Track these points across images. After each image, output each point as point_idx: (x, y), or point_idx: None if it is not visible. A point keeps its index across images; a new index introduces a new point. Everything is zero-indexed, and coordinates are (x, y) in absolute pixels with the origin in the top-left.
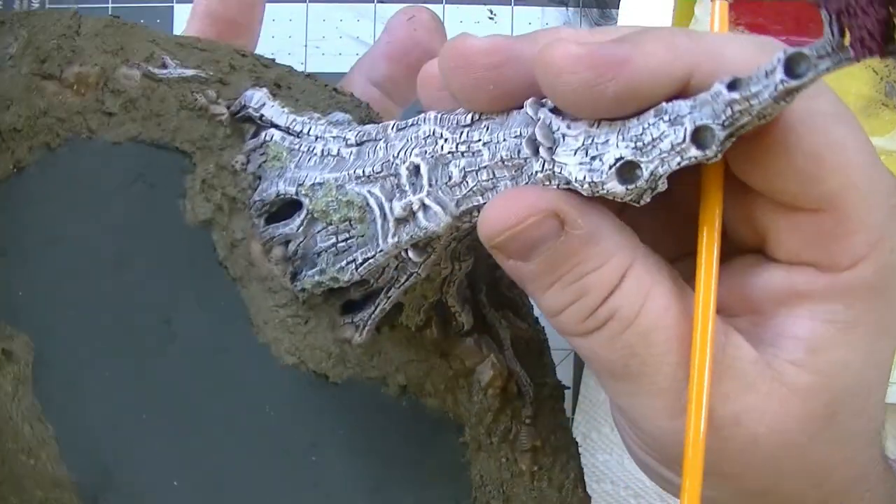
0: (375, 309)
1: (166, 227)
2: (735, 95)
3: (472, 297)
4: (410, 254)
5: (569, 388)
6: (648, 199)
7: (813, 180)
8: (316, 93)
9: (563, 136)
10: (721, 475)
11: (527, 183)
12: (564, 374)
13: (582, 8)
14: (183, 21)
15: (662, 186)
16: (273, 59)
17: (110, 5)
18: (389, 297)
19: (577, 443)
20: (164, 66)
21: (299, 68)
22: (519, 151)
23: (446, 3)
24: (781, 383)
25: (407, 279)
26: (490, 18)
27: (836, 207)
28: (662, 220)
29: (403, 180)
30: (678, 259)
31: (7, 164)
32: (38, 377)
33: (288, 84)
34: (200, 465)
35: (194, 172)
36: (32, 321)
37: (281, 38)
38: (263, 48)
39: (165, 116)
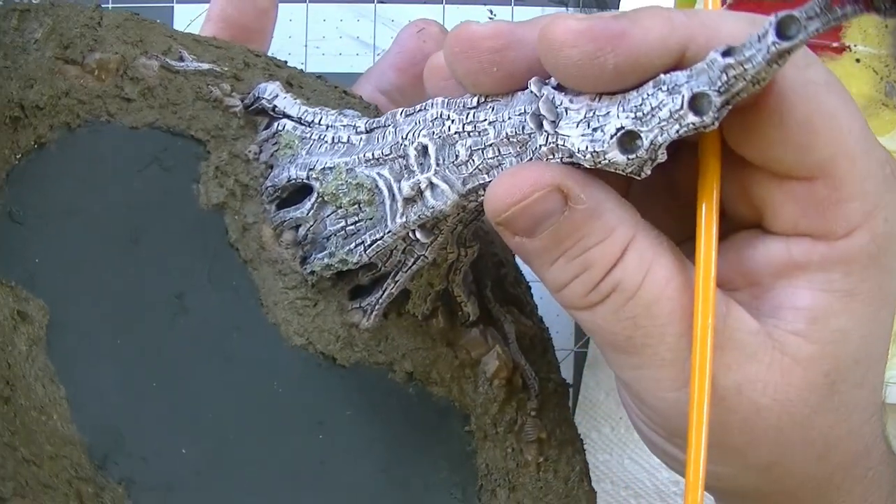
0: (383, 293)
1: (180, 208)
2: (730, 60)
3: (478, 292)
4: (418, 234)
5: (572, 385)
6: (649, 171)
7: (806, 148)
8: (326, 93)
9: (566, 109)
10: (725, 448)
11: (531, 158)
12: (565, 373)
13: (582, 8)
14: (183, 21)
15: (662, 157)
16: (285, 62)
17: (111, 5)
18: (397, 282)
19: (582, 439)
20: (182, 59)
21: (299, 68)
22: (523, 127)
23: (446, 3)
24: (783, 353)
25: (414, 262)
26: (490, 18)
27: (829, 175)
28: (666, 204)
29: (412, 160)
30: (681, 243)
31: (29, 140)
32: (51, 340)
33: (300, 83)
34: (208, 435)
35: (208, 159)
36: (48, 287)
37: (281, 38)
38: None
39: (182, 105)
